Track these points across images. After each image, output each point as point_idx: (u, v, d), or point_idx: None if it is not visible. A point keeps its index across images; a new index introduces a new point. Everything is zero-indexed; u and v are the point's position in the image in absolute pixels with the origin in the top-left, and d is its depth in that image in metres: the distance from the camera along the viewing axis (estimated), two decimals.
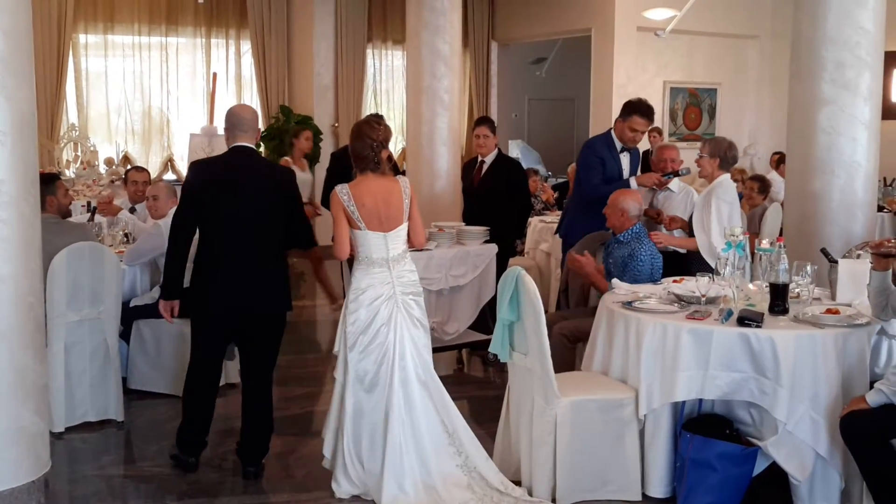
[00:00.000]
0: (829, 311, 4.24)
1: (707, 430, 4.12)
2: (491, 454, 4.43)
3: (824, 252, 4.95)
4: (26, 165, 4.09)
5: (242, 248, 4.44)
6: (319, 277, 8.34)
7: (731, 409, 4.23)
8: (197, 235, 4.57)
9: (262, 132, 12.14)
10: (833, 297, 4.57)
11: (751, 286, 4.44)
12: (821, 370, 4.00)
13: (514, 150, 13.62)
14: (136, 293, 5.96)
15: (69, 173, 10.10)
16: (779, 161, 10.60)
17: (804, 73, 6.02)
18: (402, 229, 4.39)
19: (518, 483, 4.30)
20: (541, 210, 9.34)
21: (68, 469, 4.74)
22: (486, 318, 6.62)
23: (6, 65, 3.95)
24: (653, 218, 5.86)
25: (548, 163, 14.11)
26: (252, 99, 12.71)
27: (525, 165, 9.45)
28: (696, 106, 13.33)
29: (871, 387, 3.85)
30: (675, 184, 6.00)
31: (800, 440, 3.99)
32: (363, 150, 4.35)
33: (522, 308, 4.21)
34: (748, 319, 4.07)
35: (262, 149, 12.08)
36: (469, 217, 7.10)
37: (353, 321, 4.31)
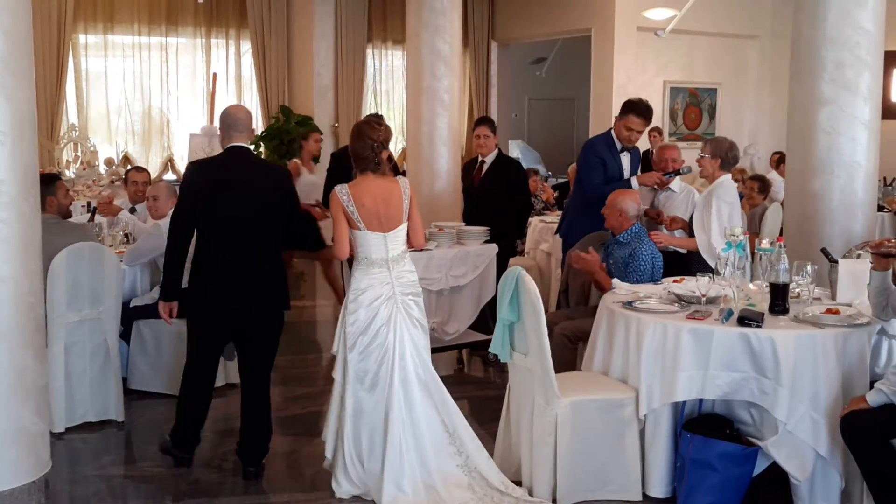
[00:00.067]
0: (829, 310, 4.24)
1: (707, 430, 4.11)
2: (491, 454, 4.42)
3: (824, 252, 4.95)
4: (26, 166, 4.09)
5: (240, 248, 4.44)
6: (329, 278, 8.35)
7: (732, 409, 4.23)
8: (195, 236, 4.57)
9: (263, 132, 12.18)
10: (833, 297, 4.57)
11: (751, 286, 4.43)
12: (821, 370, 3.99)
13: (514, 150, 13.62)
14: (137, 293, 5.96)
15: (69, 174, 10.10)
16: (779, 161, 10.60)
17: (804, 73, 6.02)
18: (402, 230, 4.39)
19: (519, 483, 4.30)
20: (541, 210, 9.34)
21: (68, 469, 4.74)
22: (486, 319, 6.62)
23: (6, 65, 3.95)
24: (653, 218, 5.86)
25: (548, 163, 14.11)
26: (252, 99, 12.72)
27: (525, 165, 9.45)
28: (696, 106, 13.33)
29: (872, 387, 3.85)
30: (676, 184, 6.00)
31: (800, 440, 3.99)
32: (363, 151, 4.35)
33: (523, 308, 4.21)
34: (748, 319, 4.07)
35: (262, 148, 12.10)
36: (469, 217, 7.10)
37: (353, 321, 4.31)
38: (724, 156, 5.46)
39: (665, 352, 4.14)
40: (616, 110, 6.43)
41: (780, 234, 6.95)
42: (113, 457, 5.03)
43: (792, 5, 6.29)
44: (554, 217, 8.52)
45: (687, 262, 5.51)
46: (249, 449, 4.62)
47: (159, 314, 4.66)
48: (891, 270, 3.96)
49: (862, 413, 3.75)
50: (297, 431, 5.30)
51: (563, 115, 15.60)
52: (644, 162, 6.78)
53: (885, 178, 10.29)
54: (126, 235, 6.56)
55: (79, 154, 10.50)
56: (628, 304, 4.46)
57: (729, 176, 5.53)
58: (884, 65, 6.03)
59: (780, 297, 4.27)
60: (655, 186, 6.01)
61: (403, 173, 9.24)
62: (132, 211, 7.20)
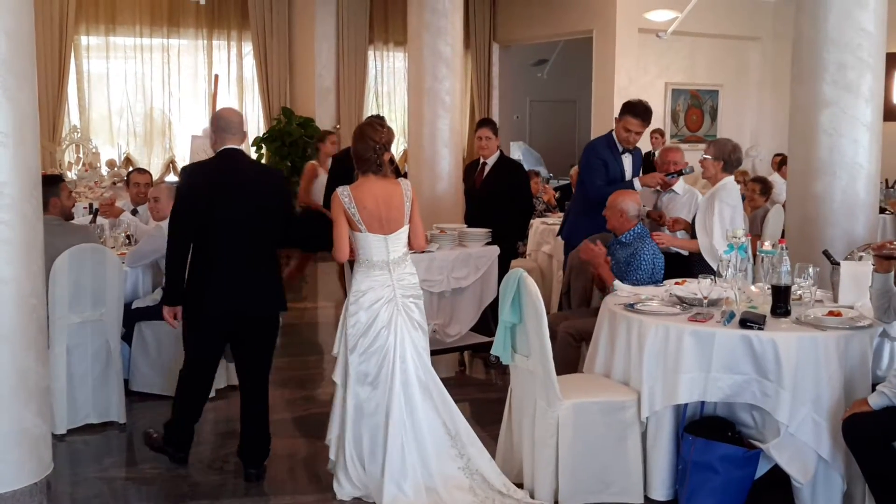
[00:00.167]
0: (831, 313, 4.24)
1: (709, 432, 4.11)
2: (493, 456, 4.42)
3: (826, 254, 4.94)
4: (28, 167, 4.09)
5: (236, 250, 4.45)
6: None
7: (734, 412, 4.23)
8: None
9: (264, 134, 12.21)
10: (835, 300, 4.57)
11: (753, 288, 4.43)
12: (823, 372, 3.99)
13: (516, 151, 13.62)
14: (138, 295, 5.95)
15: (71, 175, 10.09)
16: (780, 163, 10.59)
17: (806, 74, 6.01)
18: (403, 232, 4.39)
19: (520, 485, 4.29)
20: (542, 212, 9.33)
21: (70, 471, 4.74)
22: (487, 321, 6.62)
23: (8, 66, 3.95)
24: (655, 220, 5.86)
25: (549, 164, 14.10)
26: (253, 100, 12.74)
27: (526, 167, 9.43)
28: (697, 107, 13.34)
29: (874, 389, 3.85)
30: (679, 185, 6.00)
31: (802, 443, 3.99)
32: (365, 152, 4.35)
33: (524, 310, 4.21)
34: (750, 321, 4.06)
35: (263, 150, 12.12)
36: (471, 219, 7.09)
37: (354, 323, 4.31)
38: (728, 158, 5.45)
39: (667, 354, 4.14)
40: (617, 112, 6.43)
41: (782, 236, 6.95)
42: (114, 458, 5.03)
43: (793, 7, 6.29)
44: (555, 219, 8.51)
45: (689, 264, 5.51)
46: (250, 451, 4.62)
47: (161, 316, 4.66)
48: (893, 272, 3.96)
49: (864, 416, 3.74)
50: (298, 433, 5.30)
51: (564, 117, 15.61)
52: (646, 163, 6.78)
53: (886, 180, 10.28)
54: (128, 237, 6.56)
55: (80, 156, 10.49)
56: (630, 307, 4.45)
57: (732, 178, 5.52)
58: (885, 66, 6.03)
59: (781, 300, 4.27)
60: (658, 188, 6.01)
61: (405, 175, 9.26)
62: (134, 212, 7.21)
